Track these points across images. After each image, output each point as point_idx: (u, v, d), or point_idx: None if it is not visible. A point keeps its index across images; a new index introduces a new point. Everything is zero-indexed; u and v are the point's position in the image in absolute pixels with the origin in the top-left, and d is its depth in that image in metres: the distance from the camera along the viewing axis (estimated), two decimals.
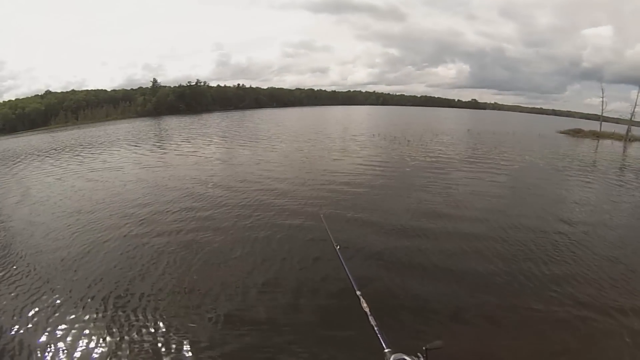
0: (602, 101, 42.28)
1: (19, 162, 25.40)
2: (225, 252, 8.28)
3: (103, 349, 5.20)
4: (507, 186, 15.07)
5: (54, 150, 30.62)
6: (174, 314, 5.93)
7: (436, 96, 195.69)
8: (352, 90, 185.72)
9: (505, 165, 20.18)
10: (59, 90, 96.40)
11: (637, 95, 38.18)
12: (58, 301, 6.44)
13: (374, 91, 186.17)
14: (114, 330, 5.58)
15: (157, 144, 31.64)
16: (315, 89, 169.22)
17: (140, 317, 5.87)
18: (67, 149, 30.73)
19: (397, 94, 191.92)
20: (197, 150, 25.71)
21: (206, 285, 6.79)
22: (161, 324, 5.69)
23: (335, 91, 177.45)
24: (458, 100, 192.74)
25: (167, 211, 11.46)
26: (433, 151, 24.69)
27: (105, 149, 28.91)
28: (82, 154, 27.07)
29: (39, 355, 5.12)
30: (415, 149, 25.76)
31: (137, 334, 5.49)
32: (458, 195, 13.22)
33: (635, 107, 37.98)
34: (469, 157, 22.37)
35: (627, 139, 36.30)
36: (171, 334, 5.44)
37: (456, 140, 32.43)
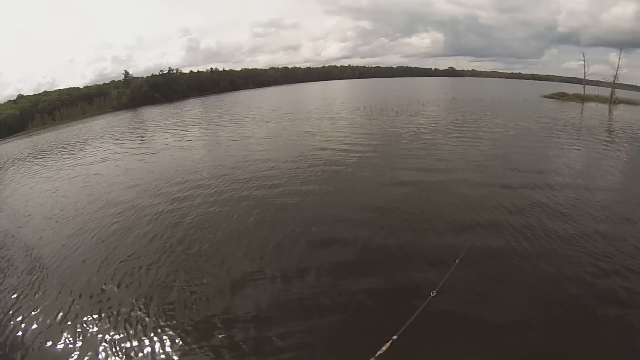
0: (584, 65, 42.27)
1: None
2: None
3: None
4: (510, 156, 14.30)
5: (31, 156, 28.12)
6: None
7: (412, 66, 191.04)
8: (327, 65, 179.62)
9: (500, 131, 19.57)
10: (31, 93, 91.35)
11: (619, 58, 38.39)
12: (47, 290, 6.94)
13: (349, 65, 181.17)
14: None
15: (137, 138, 30.15)
16: (290, 67, 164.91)
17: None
18: (44, 153, 28.59)
19: (373, 66, 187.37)
20: (174, 140, 24.29)
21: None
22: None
23: (310, 68, 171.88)
24: (435, 69, 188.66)
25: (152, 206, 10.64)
26: (425, 121, 23.78)
27: (84, 148, 27.07)
28: (60, 155, 25.45)
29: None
30: (406, 120, 24.77)
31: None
32: (466, 173, 12.38)
33: (617, 70, 37.98)
34: (461, 126, 21.58)
35: (612, 101, 36.23)
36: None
37: (444, 109, 31.60)
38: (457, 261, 5.22)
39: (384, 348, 3.34)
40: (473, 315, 5.13)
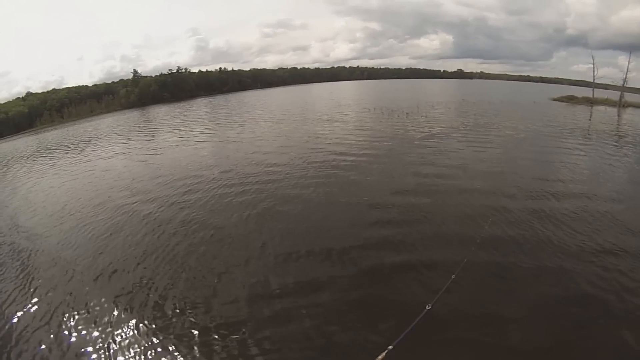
0: (593, 68, 41.78)
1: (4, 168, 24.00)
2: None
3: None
4: (519, 163, 14.39)
5: (37, 153, 29.34)
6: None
7: (421, 68, 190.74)
8: (335, 66, 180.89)
9: (511, 134, 19.84)
10: (39, 91, 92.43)
11: (628, 61, 38.07)
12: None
13: (358, 66, 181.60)
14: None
15: (144, 136, 30.78)
16: (299, 68, 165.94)
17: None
18: (50, 151, 29.61)
19: (382, 67, 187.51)
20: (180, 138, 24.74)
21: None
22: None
23: (318, 68, 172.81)
24: (444, 70, 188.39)
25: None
26: (436, 123, 24.13)
27: (91, 146, 28.07)
28: (66, 153, 26.16)
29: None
30: (417, 121, 25.15)
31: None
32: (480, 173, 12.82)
33: (627, 73, 37.78)
34: (472, 129, 21.83)
35: (621, 104, 36.12)
36: None
37: (454, 111, 31.88)
38: (452, 277, 5.28)
39: (380, 357, 3.47)
40: (467, 329, 5.20)
